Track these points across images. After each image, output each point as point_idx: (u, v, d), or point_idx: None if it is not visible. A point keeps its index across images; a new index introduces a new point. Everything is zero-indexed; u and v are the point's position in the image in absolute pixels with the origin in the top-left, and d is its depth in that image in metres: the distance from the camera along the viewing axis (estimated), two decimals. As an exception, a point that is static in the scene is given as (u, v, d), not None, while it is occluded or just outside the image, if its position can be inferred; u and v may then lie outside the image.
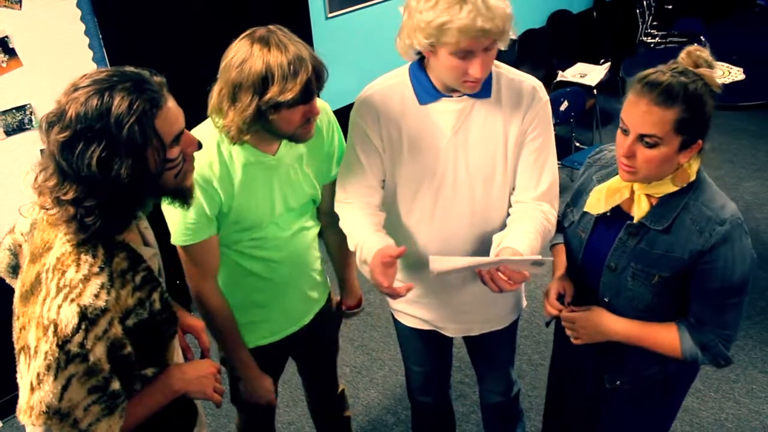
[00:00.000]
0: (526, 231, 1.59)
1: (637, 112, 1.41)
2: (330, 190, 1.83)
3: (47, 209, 1.19)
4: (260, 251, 1.72)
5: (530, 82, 1.66)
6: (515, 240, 1.56)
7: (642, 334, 1.58)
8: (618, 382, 1.72)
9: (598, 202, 1.59)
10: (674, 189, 1.48)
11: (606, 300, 1.63)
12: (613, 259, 1.59)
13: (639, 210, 1.52)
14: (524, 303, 2.02)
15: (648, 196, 1.52)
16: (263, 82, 1.43)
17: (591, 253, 1.65)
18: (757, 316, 3.21)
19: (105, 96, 1.12)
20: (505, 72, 1.65)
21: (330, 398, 2.26)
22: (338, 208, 1.77)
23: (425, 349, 2.07)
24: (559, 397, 2.04)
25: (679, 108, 1.38)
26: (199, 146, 1.32)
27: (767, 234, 3.81)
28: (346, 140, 1.81)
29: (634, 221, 1.53)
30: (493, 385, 2.18)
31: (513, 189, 1.72)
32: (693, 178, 1.48)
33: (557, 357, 1.99)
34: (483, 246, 1.69)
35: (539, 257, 1.48)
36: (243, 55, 1.45)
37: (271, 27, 1.49)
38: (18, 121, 2.53)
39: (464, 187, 1.67)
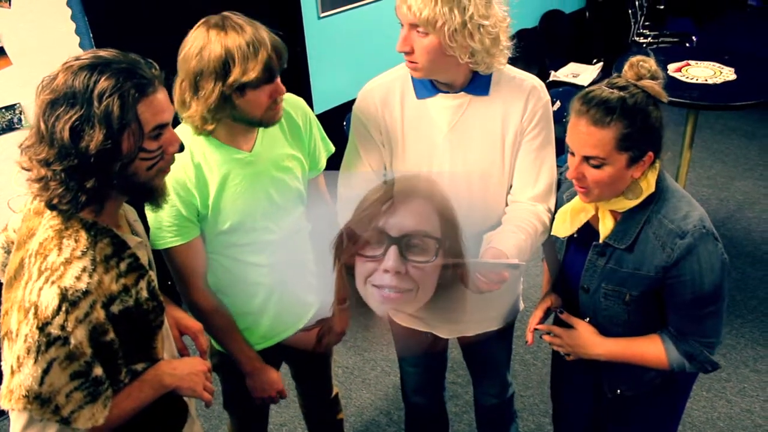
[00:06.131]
0: (515, 231, 1.58)
1: (578, 134, 1.40)
2: (315, 184, 1.83)
3: (25, 169, 1.21)
4: (252, 256, 1.70)
5: (531, 81, 1.65)
6: (503, 240, 1.55)
7: (627, 353, 1.57)
8: (618, 391, 1.71)
9: (564, 224, 1.57)
10: (633, 203, 1.46)
11: (587, 320, 1.63)
12: (585, 281, 1.58)
13: (604, 228, 1.51)
14: (521, 306, 2.01)
15: (612, 212, 1.50)
16: (224, 65, 1.42)
17: (567, 273, 1.65)
18: (749, 314, 3.22)
19: (96, 71, 1.16)
20: (507, 71, 1.65)
21: (324, 402, 2.24)
22: (339, 204, 1.76)
23: (420, 351, 2.05)
24: (563, 409, 2.03)
25: (619, 124, 1.36)
26: (181, 148, 1.31)
27: (758, 233, 3.82)
28: (331, 139, 1.81)
29: (600, 240, 1.52)
30: (488, 387, 2.17)
31: (510, 187, 1.71)
32: (650, 190, 1.45)
33: (555, 369, 1.98)
34: (479, 244, 1.69)
35: (515, 261, 1.47)
36: (200, 43, 1.44)
37: (225, 13, 1.48)
38: (7, 121, 2.51)
39: (461, 184, 1.66)
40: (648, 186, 1.45)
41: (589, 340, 1.59)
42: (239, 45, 1.42)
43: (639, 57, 1.43)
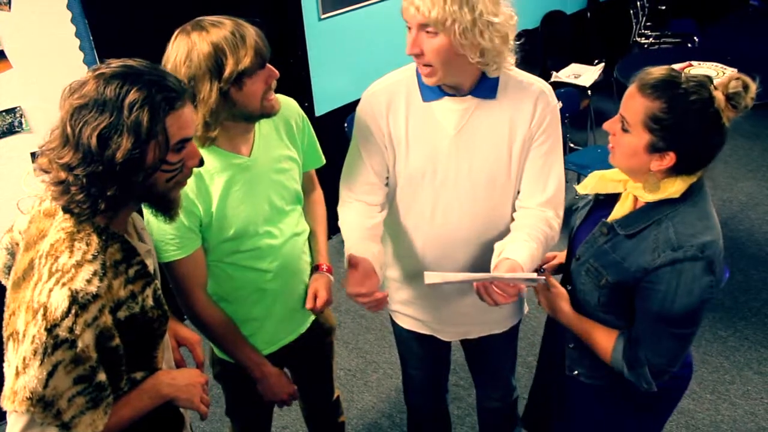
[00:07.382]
0: (528, 240, 1.57)
1: (626, 93, 1.43)
2: (309, 175, 1.85)
3: (44, 171, 1.21)
4: (255, 262, 1.68)
5: (539, 85, 1.63)
6: (516, 250, 1.54)
7: (582, 329, 1.59)
8: (576, 372, 1.70)
9: (588, 182, 1.59)
10: (652, 198, 1.44)
11: (568, 288, 1.63)
12: (581, 250, 1.58)
13: (620, 208, 1.51)
14: (526, 308, 2.00)
15: (635, 200, 1.50)
16: (216, 61, 1.41)
17: (576, 240, 1.66)
18: (753, 317, 3.21)
19: (128, 80, 1.16)
20: (515, 75, 1.63)
21: (326, 405, 2.23)
22: (340, 208, 1.76)
23: (422, 353, 2.05)
24: (540, 383, 2.02)
25: (658, 103, 1.35)
26: (201, 162, 1.31)
27: (761, 234, 3.81)
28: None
29: (608, 219, 1.52)
30: (491, 390, 2.16)
31: (518, 193, 1.70)
32: (671, 195, 1.43)
33: (542, 344, 1.98)
34: (484, 250, 1.68)
35: (534, 275, 1.47)
36: (185, 49, 1.42)
37: (197, 18, 1.47)
38: (8, 124, 2.51)
39: (466, 189, 1.65)
40: (668, 189, 1.43)
41: (557, 305, 1.62)
42: (225, 37, 1.41)
43: (742, 75, 1.37)
